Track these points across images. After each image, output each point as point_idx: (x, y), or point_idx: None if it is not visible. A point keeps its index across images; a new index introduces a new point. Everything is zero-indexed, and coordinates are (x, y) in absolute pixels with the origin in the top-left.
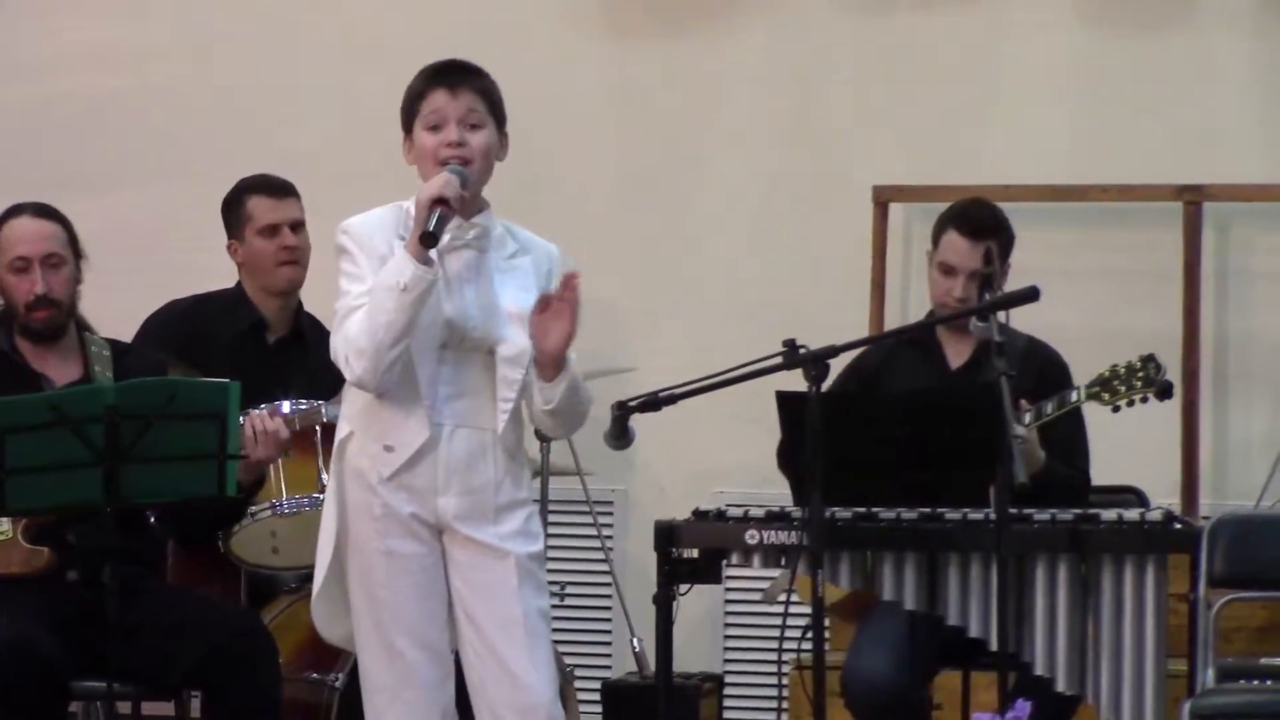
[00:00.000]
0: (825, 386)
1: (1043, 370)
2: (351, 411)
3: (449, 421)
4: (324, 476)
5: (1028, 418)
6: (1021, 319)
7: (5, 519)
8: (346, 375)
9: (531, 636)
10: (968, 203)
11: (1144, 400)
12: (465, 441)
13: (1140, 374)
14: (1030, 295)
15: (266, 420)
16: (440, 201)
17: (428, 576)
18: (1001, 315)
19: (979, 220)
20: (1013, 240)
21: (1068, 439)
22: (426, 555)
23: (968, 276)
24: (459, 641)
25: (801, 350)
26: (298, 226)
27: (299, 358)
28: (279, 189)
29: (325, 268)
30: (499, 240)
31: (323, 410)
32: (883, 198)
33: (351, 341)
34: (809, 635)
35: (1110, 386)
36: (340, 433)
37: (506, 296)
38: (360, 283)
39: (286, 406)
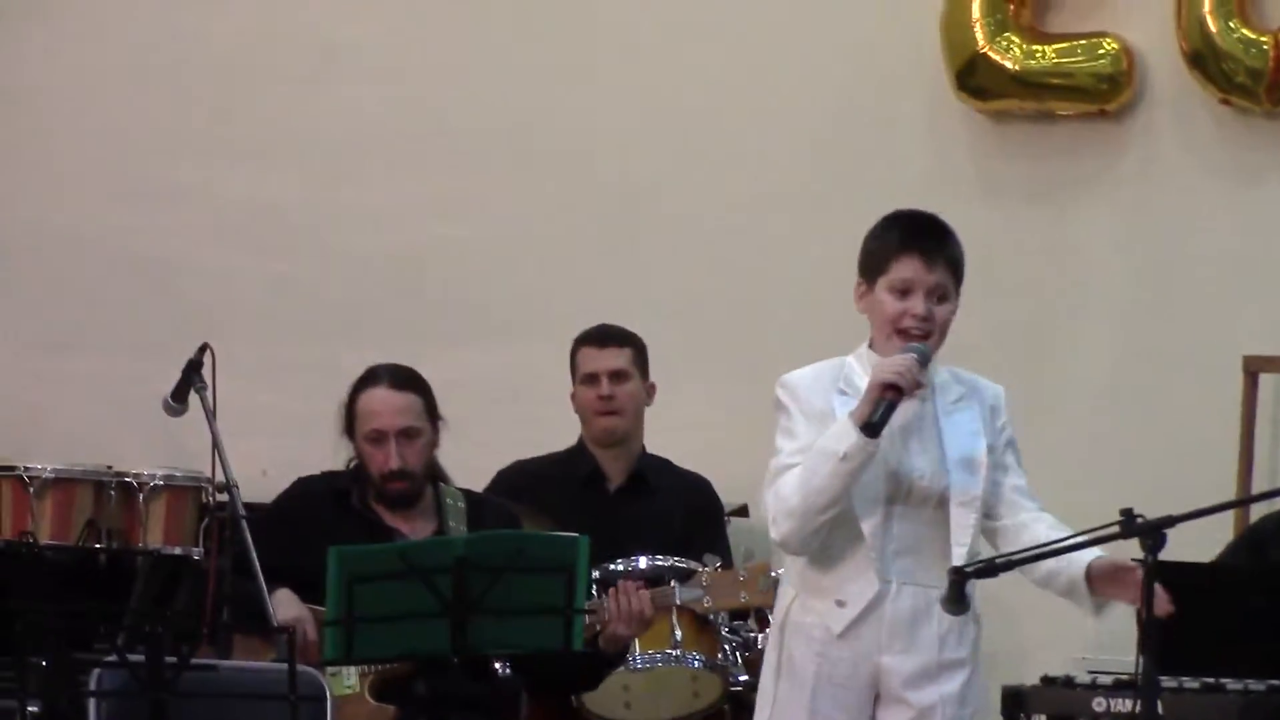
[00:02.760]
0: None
1: None
2: (794, 574)
3: (895, 578)
4: (676, 633)
5: None
6: None
7: (353, 673)
8: (772, 533)
9: None
10: None
11: None
12: (910, 600)
13: None
14: None
15: (633, 597)
16: (892, 388)
17: None
18: None
19: None
20: None
21: None
22: None
23: None
24: None
25: (1139, 519)
26: (619, 376)
27: (642, 506)
28: (602, 338)
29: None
30: (943, 387)
31: (676, 593)
32: (1252, 368)
33: (783, 500)
34: None
35: None
36: (784, 598)
37: (954, 443)
38: (794, 439)
39: (643, 562)
